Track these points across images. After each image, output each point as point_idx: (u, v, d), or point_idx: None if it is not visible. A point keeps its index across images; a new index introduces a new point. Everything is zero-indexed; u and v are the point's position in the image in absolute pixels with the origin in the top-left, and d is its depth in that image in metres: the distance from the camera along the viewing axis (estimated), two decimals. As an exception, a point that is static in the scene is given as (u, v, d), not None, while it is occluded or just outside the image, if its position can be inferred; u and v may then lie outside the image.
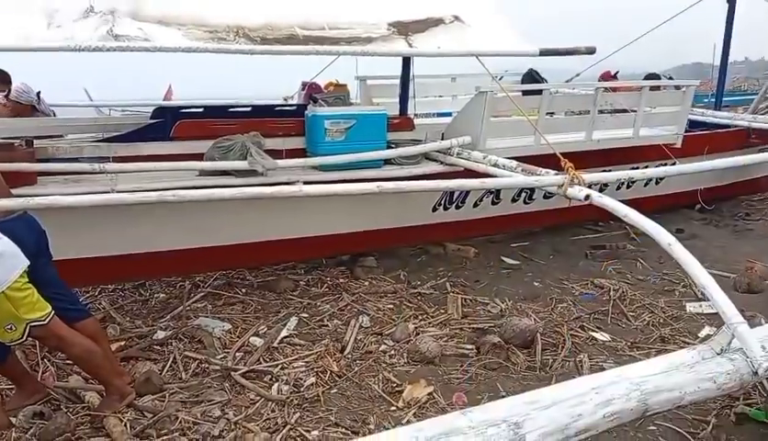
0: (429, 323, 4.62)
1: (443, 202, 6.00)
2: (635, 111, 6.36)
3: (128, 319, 4.70)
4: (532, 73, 7.71)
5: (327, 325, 4.61)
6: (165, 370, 3.93)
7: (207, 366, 3.97)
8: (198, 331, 4.42)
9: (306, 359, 4.06)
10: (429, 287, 5.34)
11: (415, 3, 5.43)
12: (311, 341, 4.35)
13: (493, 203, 6.29)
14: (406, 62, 6.24)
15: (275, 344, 4.25)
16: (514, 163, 4.85)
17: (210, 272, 5.48)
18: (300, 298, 5.07)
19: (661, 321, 4.67)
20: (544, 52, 5.43)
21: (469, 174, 5.06)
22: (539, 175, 4.54)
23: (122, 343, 4.29)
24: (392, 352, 4.20)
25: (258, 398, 3.62)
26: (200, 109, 5.63)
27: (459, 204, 6.09)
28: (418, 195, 5.64)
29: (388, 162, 5.35)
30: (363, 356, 4.15)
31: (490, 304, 4.97)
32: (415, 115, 6.63)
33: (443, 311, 4.82)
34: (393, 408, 3.56)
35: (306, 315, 4.76)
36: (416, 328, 4.52)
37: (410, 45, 5.11)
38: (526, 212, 6.50)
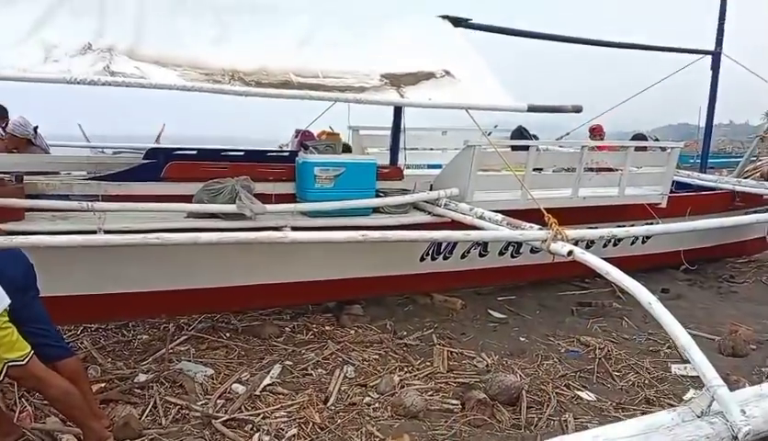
0: (414, 376, 4.60)
1: (431, 252, 6.04)
2: (620, 170, 6.46)
3: (109, 360, 4.66)
4: (521, 130, 7.88)
5: (311, 374, 4.58)
6: (145, 415, 3.87)
7: (187, 412, 3.91)
8: (180, 375, 4.37)
9: (288, 409, 4.01)
10: (415, 338, 5.33)
11: (407, 57, 5.54)
12: (295, 390, 4.30)
13: (481, 255, 6.34)
14: (397, 112, 6.36)
15: (257, 392, 4.20)
16: (500, 216, 4.89)
17: (195, 314, 5.45)
18: (285, 344, 5.05)
19: (647, 382, 4.67)
20: (532, 109, 5.54)
21: (456, 225, 5.10)
22: (524, 229, 4.57)
23: (103, 384, 4.24)
24: (376, 405, 4.15)
25: None
26: (194, 152, 5.66)
27: (447, 255, 6.14)
28: (406, 244, 5.66)
29: (376, 210, 5.39)
30: (346, 407, 4.10)
31: (476, 358, 4.96)
32: (406, 165, 6.73)
33: (429, 364, 4.80)
34: None
35: (290, 363, 4.72)
36: (401, 380, 4.49)
37: (401, 95, 5.19)
38: (513, 266, 6.56)
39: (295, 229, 4.53)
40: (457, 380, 4.56)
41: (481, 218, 5.00)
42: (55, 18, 4.35)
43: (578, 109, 5.83)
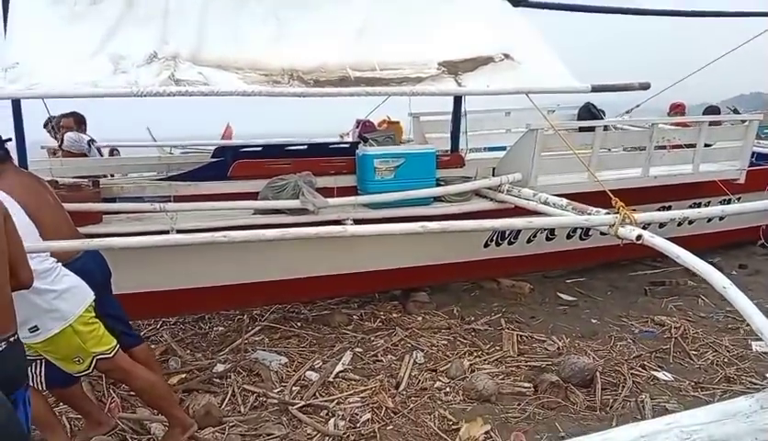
0: (484, 360, 4.68)
1: (495, 238, 6.05)
2: (694, 146, 6.30)
3: (188, 352, 4.90)
4: (589, 107, 7.68)
5: (381, 361, 4.71)
6: (225, 403, 4.09)
7: (264, 399, 4.13)
8: (256, 364, 4.58)
9: (361, 395, 4.17)
10: (483, 322, 5.40)
11: (465, 43, 5.53)
12: (366, 376, 4.46)
13: (548, 239, 6.31)
14: (457, 99, 6.35)
15: (330, 379, 4.38)
16: (565, 201, 4.86)
17: (264, 306, 5.66)
18: (354, 332, 5.22)
19: (726, 360, 4.62)
20: (596, 89, 5.41)
21: (519, 211, 5.12)
22: (589, 214, 4.53)
23: (183, 375, 4.48)
24: (447, 389, 4.26)
25: (315, 433, 3.73)
26: (259, 148, 5.88)
27: (512, 240, 6.13)
28: (472, 233, 5.66)
29: (438, 198, 5.46)
30: (418, 392, 4.22)
31: (546, 341, 5.00)
32: (468, 150, 6.72)
33: (498, 348, 4.87)
34: None
35: (360, 350, 4.88)
36: (471, 365, 4.58)
37: (459, 84, 5.20)
38: (582, 249, 6.50)
39: (356, 221, 4.67)
40: (529, 364, 4.62)
41: (545, 203, 4.97)
42: (122, 29, 4.55)
43: (645, 86, 5.67)
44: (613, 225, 4.16)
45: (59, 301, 3.06)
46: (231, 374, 4.45)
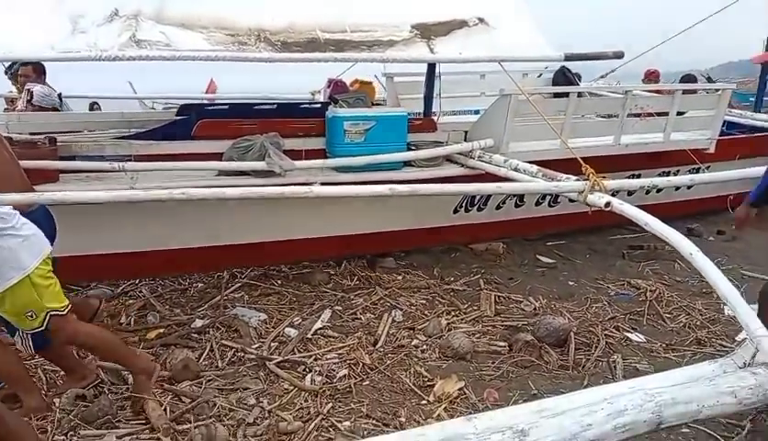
0: (462, 320, 4.97)
1: (464, 204, 6.31)
2: (667, 114, 6.55)
3: (167, 307, 5.13)
4: (564, 71, 7.97)
5: (360, 318, 4.98)
6: (203, 358, 4.32)
7: (243, 355, 4.35)
8: (235, 320, 4.83)
9: (339, 351, 4.43)
10: (462, 283, 5.71)
11: (440, 2, 5.81)
12: (344, 333, 4.72)
13: (517, 205, 6.59)
14: (431, 64, 6.50)
15: (309, 336, 4.63)
16: (535, 168, 5.09)
17: (230, 269, 5.82)
18: (334, 291, 5.49)
19: (698, 323, 4.94)
20: (569, 57, 5.84)
21: (490, 177, 5.33)
22: (559, 180, 4.77)
23: (161, 330, 4.71)
24: (424, 347, 4.53)
25: (292, 388, 3.97)
26: (225, 107, 6.03)
27: (481, 206, 6.40)
28: (439, 196, 5.89)
29: (408, 163, 5.66)
30: (395, 349, 4.49)
31: (523, 302, 5.30)
32: (441, 113, 6.95)
33: (476, 308, 5.17)
34: (424, 402, 3.85)
35: (339, 308, 5.15)
36: (449, 324, 4.86)
37: (431, 50, 5.49)
38: (551, 215, 6.81)
39: (324, 184, 4.80)
40: (505, 324, 4.91)
41: (516, 170, 5.23)
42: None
43: (619, 55, 6.08)
44: (582, 192, 4.44)
45: (21, 249, 3.16)
46: (209, 330, 4.70)
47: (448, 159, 5.88)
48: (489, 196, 6.32)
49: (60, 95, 6.31)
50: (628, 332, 4.81)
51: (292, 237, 5.65)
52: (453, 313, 5.08)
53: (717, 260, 5.68)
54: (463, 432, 2.10)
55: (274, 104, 6.19)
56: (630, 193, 6.53)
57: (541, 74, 8.77)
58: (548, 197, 6.65)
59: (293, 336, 4.61)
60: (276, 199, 4.35)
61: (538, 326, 4.65)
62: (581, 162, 4.67)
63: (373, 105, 6.52)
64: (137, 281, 5.58)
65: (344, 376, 4.11)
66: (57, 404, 3.64)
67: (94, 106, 8.45)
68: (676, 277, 5.94)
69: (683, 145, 6.67)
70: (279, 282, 5.65)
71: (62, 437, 3.43)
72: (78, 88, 7.53)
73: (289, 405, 3.80)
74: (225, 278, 5.62)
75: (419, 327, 4.83)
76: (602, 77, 8.62)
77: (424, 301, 5.31)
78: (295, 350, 4.43)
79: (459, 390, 3.96)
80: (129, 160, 4.92)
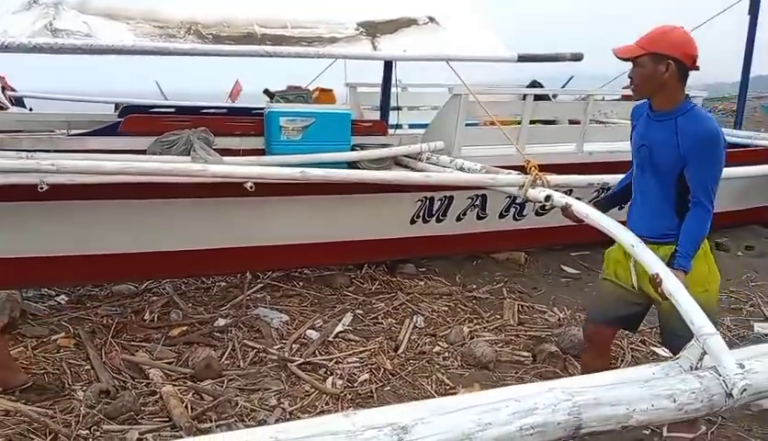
0: (484, 328, 5.47)
1: (422, 214, 6.66)
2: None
3: (190, 305, 5.70)
4: (534, 84, 8.37)
5: (381, 323, 5.51)
6: (225, 357, 4.81)
7: (264, 355, 4.85)
8: (257, 320, 5.37)
9: (360, 355, 4.92)
10: (485, 291, 6.27)
11: (389, 1, 6.28)
12: (366, 337, 5.24)
13: (479, 217, 6.97)
14: (387, 66, 6.96)
15: (330, 339, 5.15)
16: (479, 165, 5.46)
17: (148, 279, 6.11)
18: (356, 294, 6.07)
19: (727, 340, 5.25)
20: (523, 58, 6.28)
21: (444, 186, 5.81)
22: (498, 174, 5.09)
23: (184, 327, 5.24)
24: (446, 354, 5.00)
25: (313, 390, 4.41)
26: (171, 109, 6.34)
27: (441, 217, 6.76)
28: (392, 205, 6.32)
29: (353, 166, 5.84)
30: (416, 355, 4.96)
31: (547, 312, 5.83)
32: (397, 125, 7.36)
33: (498, 317, 5.69)
34: None
35: (361, 312, 5.70)
36: (471, 332, 5.35)
37: (375, 47, 5.92)
38: (516, 229, 7.21)
39: (257, 185, 4.88)
40: (528, 333, 5.40)
41: (461, 169, 5.61)
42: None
43: (578, 57, 6.52)
44: (522, 186, 4.70)
45: None
46: (231, 329, 5.22)
47: (398, 163, 6.18)
48: (448, 206, 6.69)
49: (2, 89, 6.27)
50: (655, 346, 5.22)
51: (221, 245, 5.84)
52: (475, 321, 5.59)
53: (746, 275, 6.76)
54: (335, 428, 2.05)
55: (224, 108, 6.63)
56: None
57: (564, 85, 9.20)
58: (513, 210, 7.08)
59: (314, 338, 5.08)
60: (210, 205, 4.87)
61: (563, 337, 5.11)
62: (524, 156, 5.09)
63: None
64: (160, 279, 6.00)
65: (366, 380, 4.57)
66: (81, 399, 4.09)
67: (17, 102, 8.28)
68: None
69: None
70: (301, 284, 6.24)
71: (86, 432, 3.84)
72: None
73: (310, 408, 4.23)
74: (248, 278, 6.08)
75: (441, 334, 5.32)
76: (562, 87, 9.12)
77: (446, 308, 5.83)
78: (316, 352, 4.90)
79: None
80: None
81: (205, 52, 5.24)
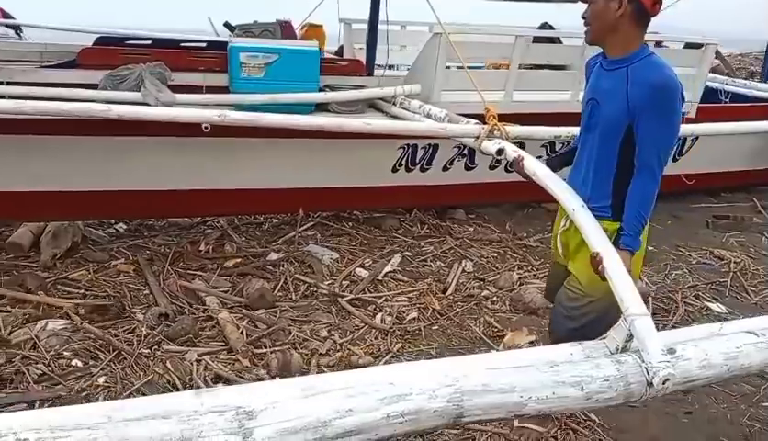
0: (534, 275, 5.56)
1: (404, 162, 6.38)
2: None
3: (243, 239, 5.92)
4: (544, 27, 7.90)
5: (430, 266, 5.68)
6: (277, 289, 5.05)
7: (315, 289, 5.09)
8: (308, 257, 5.60)
9: (408, 295, 5.11)
10: (535, 240, 6.35)
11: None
12: (414, 278, 5.40)
13: (467, 168, 6.66)
14: (374, 1, 6.33)
15: (379, 278, 5.35)
16: (444, 112, 5.20)
17: (117, 218, 6.08)
18: (405, 237, 6.22)
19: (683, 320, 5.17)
20: None
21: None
22: (454, 123, 4.91)
23: (239, 259, 5.48)
24: (495, 298, 5.16)
25: (363, 324, 4.65)
26: (148, 41, 6.14)
27: (425, 166, 6.47)
28: (372, 152, 6.04)
29: (323, 109, 5.63)
30: (465, 298, 5.13)
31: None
32: (390, 67, 6.73)
33: (548, 265, 5.65)
34: (494, 351, 4.25)
35: (409, 254, 5.87)
36: (520, 278, 5.46)
37: None
38: (505, 182, 6.56)
39: (213, 125, 4.59)
40: None
41: (428, 115, 5.34)
42: None
43: None
44: (477, 137, 4.47)
45: None
46: (283, 263, 5.45)
47: (373, 107, 5.94)
48: (434, 154, 6.39)
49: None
50: (709, 301, 5.30)
51: (192, 187, 5.71)
52: (525, 268, 5.70)
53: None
54: (179, 408, 1.94)
55: (204, 42, 6.23)
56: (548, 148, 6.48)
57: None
58: (505, 162, 6.08)
59: (364, 277, 5.33)
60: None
61: None
62: (486, 103, 4.80)
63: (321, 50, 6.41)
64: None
65: (414, 318, 4.77)
66: (141, 321, 4.42)
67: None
68: (763, 250, 6.50)
69: None
70: (350, 224, 6.43)
71: (147, 351, 4.13)
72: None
73: (360, 341, 4.47)
74: (300, 216, 6.23)
75: (489, 279, 5.47)
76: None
77: (495, 254, 5.98)
78: (366, 290, 5.13)
79: (530, 343, 4.43)
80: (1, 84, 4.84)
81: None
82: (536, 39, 6.72)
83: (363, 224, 6.43)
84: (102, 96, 4.83)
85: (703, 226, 7.16)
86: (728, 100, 8.16)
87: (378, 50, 6.55)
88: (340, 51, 7.59)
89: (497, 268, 5.70)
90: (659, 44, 7.46)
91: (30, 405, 3.55)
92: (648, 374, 2.38)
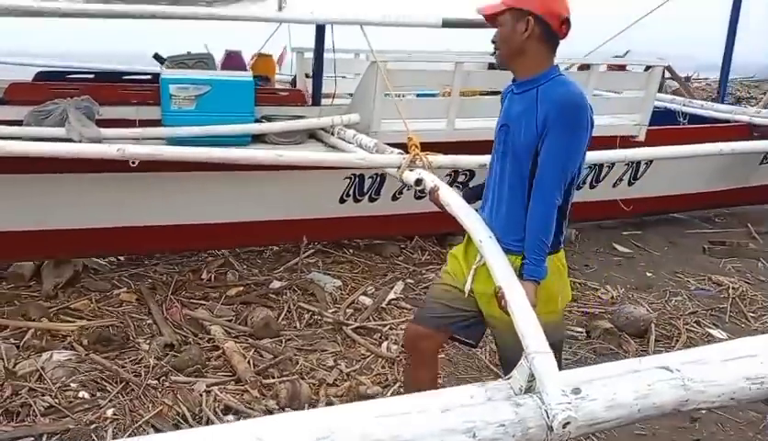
0: None
1: (352, 192, 6.14)
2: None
3: (245, 267, 5.94)
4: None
5: None
6: (281, 318, 5.06)
7: (319, 318, 5.10)
8: (311, 284, 5.60)
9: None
10: None
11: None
12: (417, 306, 5.18)
13: (418, 198, 5.82)
14: (319, 30, 6.15)
15: (383, 305, 5.36)
16: (373, 142, 5.11)
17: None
18: (406, 263, 6.24)
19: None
20: (448, 24, 5.64)
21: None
22: (377, 153, 4.87)
23: (241, 288, 5.50)
24: None
25: (369, 353, 4.66)
26: (91, 75, 6.10)
27: (374, 196, 6.24)
28: (321, 182, 5.81)
29: (261, 141, 5.51)
30: None
31: (600, 290, 5.92)
32: (334, 96, 6.49)
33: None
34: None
35: (411, 281, 5.87)
36: None
37: (280, 7, 5.64)
38: None
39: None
40: (581, 310, 5.52)
41: (359, 145, 5.23)
42: None
43: None
44: (399, 167, 4.37)
45: None
46: (286, 291, 5.46)
47: (314, 137, 5.81)
48: (381, 184, 6.16)
49: None
50: (710, 328, 5.34)
51: (120, 224, 5.48)
52: None
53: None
54: None
55: (149, 74, 6.19)
56: (465, 174, 6.32)
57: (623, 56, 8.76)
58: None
59: (368, 304, 5.35)
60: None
61: (618, 315, 5.22)
62: (409, 132, 4.75)
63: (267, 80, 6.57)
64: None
65: None
66: (147, 351, 4.42)
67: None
68: (760, 276, 6.52)
69: (603, 131, 6.10)
70: (351, 251, 6.43)
71: (155, 382, 4.13)
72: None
73: (367, 370, 4.48)
74: (304, 243, 6.16)
75: None
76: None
77: None
78: (370, 318, 5.15)
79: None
80: None
81: (83, 12, 5.12)
82: (492, 66, 6.41)
83: (364, 251, 6.44)
84: (25, 133, 4.73)
85: (699, 252, 7.18)
86: (686, 121, 8.20)
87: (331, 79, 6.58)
88: (294, 81, 7.46)
89: (501, 294, 5.73)
90: (622, 67, 7.75)
91: (38, 439, 3.52)
92: (548, 417, 2.20)
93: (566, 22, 2.76)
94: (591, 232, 7.41)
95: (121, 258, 5.91)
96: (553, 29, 2.74)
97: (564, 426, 2.16)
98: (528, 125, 2.74)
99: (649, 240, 7.41)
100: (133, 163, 4.37)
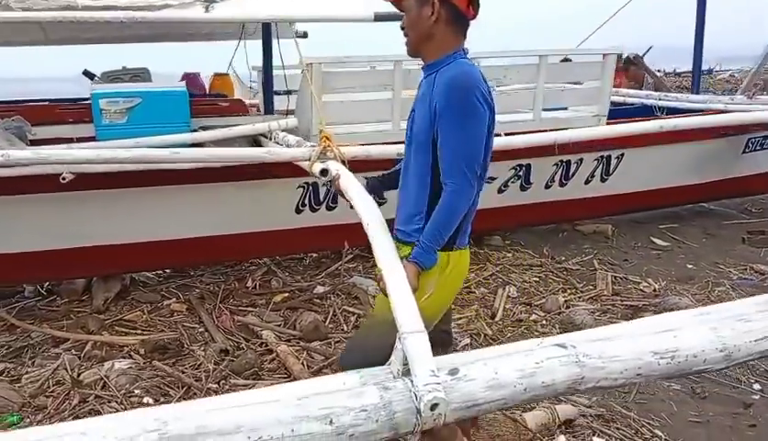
0: (579, 298, 5.67)
1: (308, 202, 5.98)
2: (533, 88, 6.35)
3: (287, 274, 6.16)
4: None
5: (474, 292, 5.77)
6: (328, 321, 5.23)
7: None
8: (354, 288, 5.78)
9: (458, 321, 5.13)
10: (575, 262, 6.50)
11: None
12: (461, 306, 5.43)
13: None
14: (266, 39, 6.23)
15: None
16: (295, 140, 5.13)
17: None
18: None
19: None
20: (380, 18, 5.55)
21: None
22: (287, 146, 4.91)
23: (286, 294, 5.71)
24: (544, 322, 5.24)
25: None
26: (45, 102, 6.25)
27: (330, 204, 6.03)
28: (269, 193, 5.73)
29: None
30: (514, 323, 5.22)
31: (642, 283, 5.96)
32: (288, 111, 6.46)
33: (592, 287, 5.88)
34: None
35: None
36: (566, 301, 5.57)
37: (207, 9, 5.57)
38: None
39: (76, 174, 4.64)
40: (625, 303, 5.57)
41: (288, 146, 5.15)
42: None
43: None
44: (309, 159, 4.38)
45: None
46: (330, 296, 5.64)
47: (257, 143, 5.67)
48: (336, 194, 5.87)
49: None
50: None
51: (80, 245, 5.34)
52: (569, 291, 5.81)
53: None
54: None
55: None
56: (526, 185, 6.61)
57: (644, 55, 8.97)
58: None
59: None
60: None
61: (663, 306, 5.22)
62: (323, 127, 4.77)
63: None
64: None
65: (467, 345, 4.83)
66: (203, 357, 4.59)
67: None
68: None
69: (561, 124, 6.45)
70: None
71: (215, 385, 4.30)
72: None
73: None
74: (346, 248, 6.33)
75: (536, 303, 5.56)
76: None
77: (537, 279, 6.09)
78: None
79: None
80: None
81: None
82: None
83: (403, 254, 6.64)
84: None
85: (738, 242, 7.24)
86: (664, 115, 8.01)
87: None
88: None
89: (541, 292, 5.82)
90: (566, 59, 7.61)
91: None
92: (416, 400, 1.98)
93: (473, 2, 2.69)
94: (627, 228, 7.57)
95: (168, 270, 6.13)
96: (461, 11, 2.67)
97: (432, 409, 1.96)
98: (424, 111, 2.67)
99: (686, 232, 7.53)
100: (63, 179, 4.53)
